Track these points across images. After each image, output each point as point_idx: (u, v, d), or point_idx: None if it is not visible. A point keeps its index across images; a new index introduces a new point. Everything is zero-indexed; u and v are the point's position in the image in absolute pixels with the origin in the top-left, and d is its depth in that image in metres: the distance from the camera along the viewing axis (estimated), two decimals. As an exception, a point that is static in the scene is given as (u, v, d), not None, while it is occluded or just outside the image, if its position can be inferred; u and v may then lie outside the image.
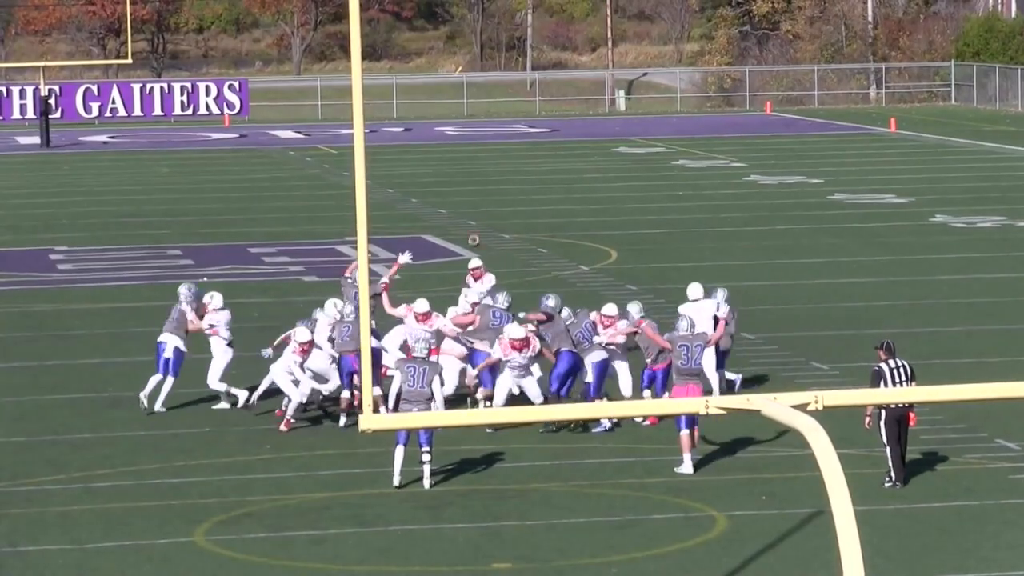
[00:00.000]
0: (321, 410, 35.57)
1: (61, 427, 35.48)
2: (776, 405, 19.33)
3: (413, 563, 27.56)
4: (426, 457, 30.27)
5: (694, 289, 36.12)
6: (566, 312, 35.91)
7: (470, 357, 35.52)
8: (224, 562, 27.71)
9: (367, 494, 30.42)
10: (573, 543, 28.27)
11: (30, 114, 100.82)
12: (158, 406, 35.95)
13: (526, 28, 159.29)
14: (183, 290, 38.05)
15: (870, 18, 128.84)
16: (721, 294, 36.24)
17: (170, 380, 36.33)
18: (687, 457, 31.31)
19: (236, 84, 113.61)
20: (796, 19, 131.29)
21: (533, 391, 33.94)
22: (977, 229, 60.33)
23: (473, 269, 39.59)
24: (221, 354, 36.29)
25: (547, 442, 33.94)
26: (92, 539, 28.68)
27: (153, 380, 36.44)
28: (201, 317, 36.82)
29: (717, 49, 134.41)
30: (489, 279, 39.16)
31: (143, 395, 36.18)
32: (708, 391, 32.45)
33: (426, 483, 30.51)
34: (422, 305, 35.56)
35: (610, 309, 35.84)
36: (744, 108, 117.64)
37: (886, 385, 29.92)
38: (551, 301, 35.83)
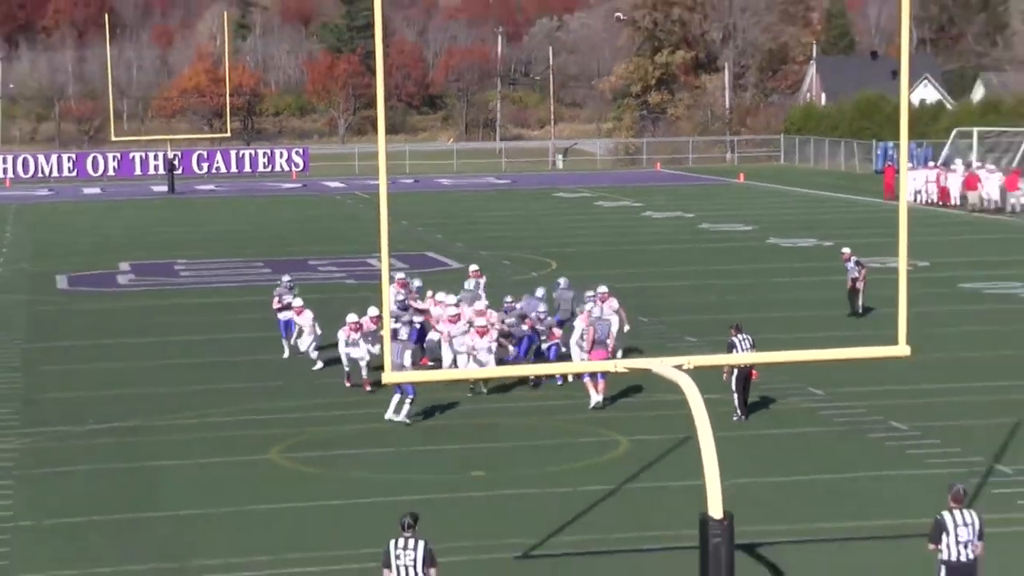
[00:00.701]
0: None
1: (184, 381, 35.52)
2: (662, 365, 19.50)
3: (417, 472, 27.67)
4: (409, 401, 30.31)
5: (602, 288, 36.18)
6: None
7: None
8: (290, 472, 27.84)
9: (383, 427, 30.50)
10: (525, 458, 28.42)
11: (161, 171, 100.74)
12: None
13: (496, 112, 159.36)
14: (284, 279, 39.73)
15: (727, 106, 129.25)
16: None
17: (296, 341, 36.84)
18: (593, 395, 31.79)
19: (300, 150, 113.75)
20: (677, 106, 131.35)
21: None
22: (798, 247, 60.41)
23: (474, 271, 39.94)
24: (308, 329, 36.20)
25: (510, 394, 34.00)
26: (203, 456, 28.83)
27: (286, 344, 37.52)
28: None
29: (624, 126, 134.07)
30: (480, 279, 39.32)
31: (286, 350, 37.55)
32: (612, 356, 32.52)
33: (406, 418, 30.46)
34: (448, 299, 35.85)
35: (602, 288, 36.27)
36: (642, 166, 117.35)
37: (736, 352, 30.06)
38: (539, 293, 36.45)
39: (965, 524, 18.05)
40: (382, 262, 19.67)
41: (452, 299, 35.71)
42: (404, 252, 57.50)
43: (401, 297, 36.09)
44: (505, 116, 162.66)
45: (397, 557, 17.78)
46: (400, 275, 40.00)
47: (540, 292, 36.57)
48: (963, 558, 17.96)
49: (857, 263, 43.28)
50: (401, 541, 17.86)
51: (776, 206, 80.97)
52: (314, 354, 36.08)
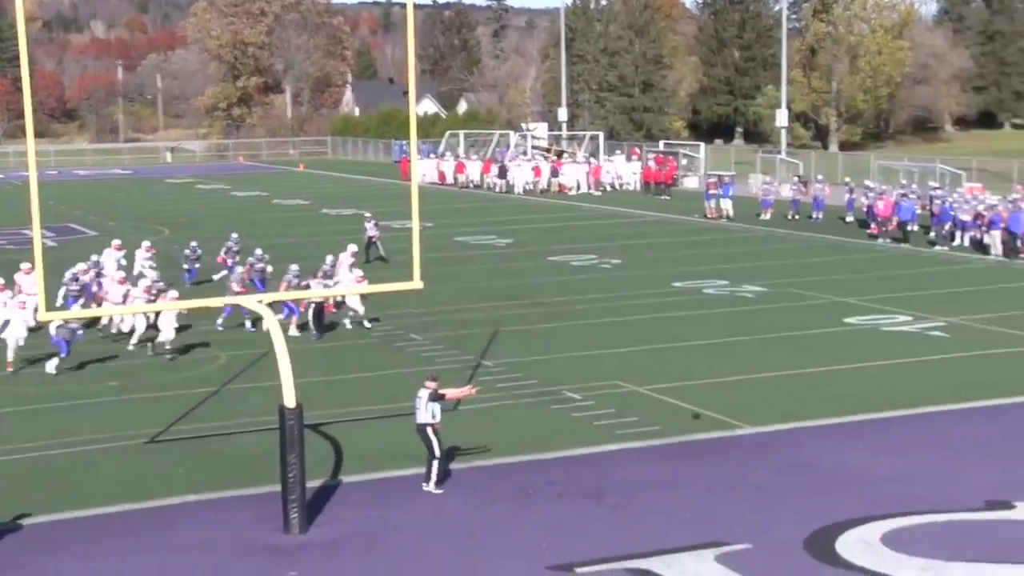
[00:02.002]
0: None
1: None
2: (258, 304, 19.28)
3: (69, 384, 26.54)
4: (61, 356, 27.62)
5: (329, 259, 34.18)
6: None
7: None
8: None
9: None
10: (149, 373, 27.59)
11: None
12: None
13: (119, 122, 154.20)
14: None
15: (289, 116, 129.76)
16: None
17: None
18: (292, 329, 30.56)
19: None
20: (253, 116, 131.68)
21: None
22: (342, 215, 60.22)
23: (116, 244, 37.56)
24: None
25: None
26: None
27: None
28: None
29: (215, 131, 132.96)
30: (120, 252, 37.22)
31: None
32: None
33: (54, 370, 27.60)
34: None
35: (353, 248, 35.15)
36: (229, 160, 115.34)
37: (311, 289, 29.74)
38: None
39: (419, 397, 18.81)
40: (34, 232, 18.82)
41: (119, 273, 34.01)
42: (52, 224, 54.74)
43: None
44: (126, 124, 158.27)
45: None
46: (116, 240, 38.32)
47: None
48: (418, 419, 18.80)
49: (375, 224, 43.92)
50: None
51: (327, 187, 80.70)
52: None
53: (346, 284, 32.46)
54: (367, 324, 31.65)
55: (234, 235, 39.93)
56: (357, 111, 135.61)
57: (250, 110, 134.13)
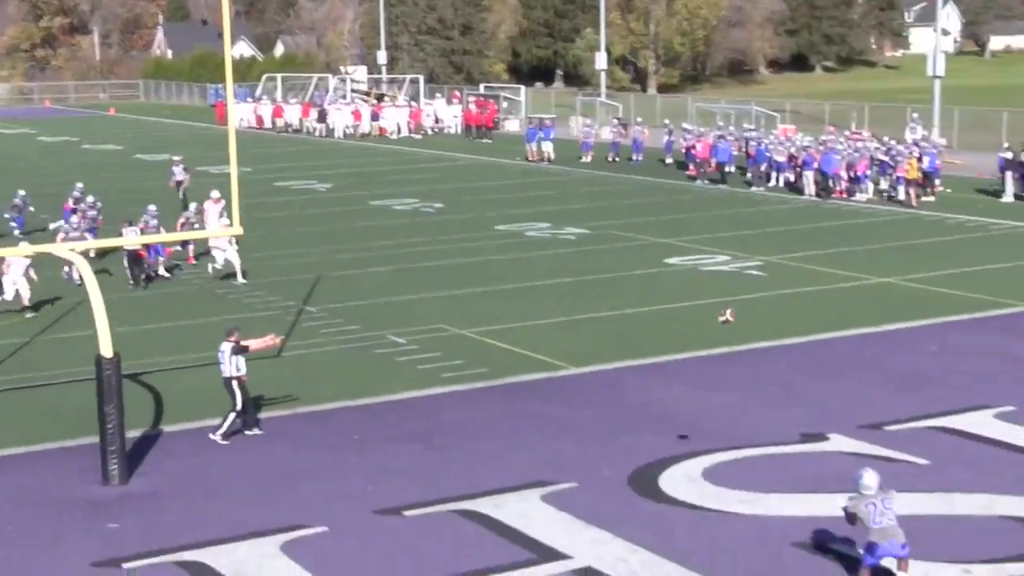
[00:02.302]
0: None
1: None
2: (69, 252, 18.78)
3: None
4: None
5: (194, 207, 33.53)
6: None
7: None
8: None
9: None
10: (-41, 323, 26.70)
11: None
12: None
13: None
14: None
15: (98, 58, 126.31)
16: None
17: None
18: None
19: None
20: (59, 59, 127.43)
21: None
22: (155, 160, 58.96)
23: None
24: None
25: None
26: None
27: None
28: None
29: (18, 74, 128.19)
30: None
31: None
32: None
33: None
34: None
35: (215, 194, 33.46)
36: (34, 103, 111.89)
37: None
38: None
39: (221, 351, 18.56)
40: None
41: None
42: None
43: None
44: None
45: None
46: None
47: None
48: (224, 373, 18.65)
49: (184, 168, 43.26)
50: None
51: (140, 132, 78.96)
52: None
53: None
54: (241, 280, 30.28)
55: (79, 184, 38.16)
56: (170, 54, 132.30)
57: (55, 52, 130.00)
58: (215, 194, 33.73)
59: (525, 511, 15.55)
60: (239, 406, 18.55)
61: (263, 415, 19.39)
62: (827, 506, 15.30)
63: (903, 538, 12.97)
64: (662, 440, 18.09)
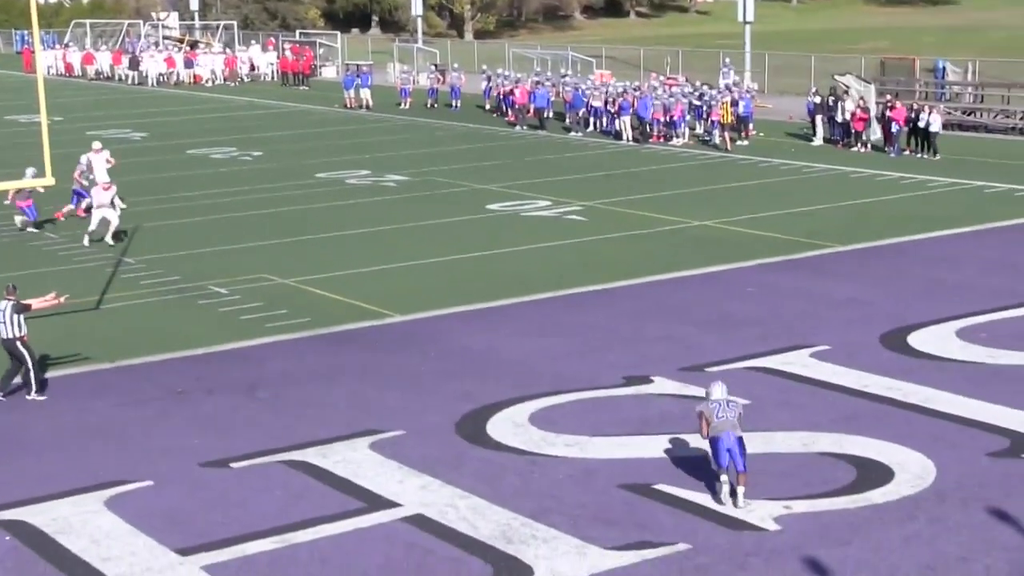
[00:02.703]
0: None
1: None
2: None
3: None
4: None
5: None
6: None
7: None
8: None
9: None
10: None
11: None
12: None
13: None
14: None
15: None
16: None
17: None
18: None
19: None
20: None
21: None
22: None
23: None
24: None
25: None
26: None
27: None
28: None
29: None
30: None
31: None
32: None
33: None
34: None
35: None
36: None
37: None
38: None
39: (1, 310, 17.93)
40: None
41: None
42: None
43: None
44: None
45: None
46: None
47: None
48: (3, 334, 18.01)
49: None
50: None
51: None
52: None
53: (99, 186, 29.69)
54: (109, 240, 28.41)
55: None
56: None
57: None
58: (96, 144, 33.08)
59: (353, 460, 15.47)
60: (31, 362, 18.03)
61: (82, 370, 18.89)
62: (652, 447, 15.57)
63: (740, 432, 13.88)
64: (489, 386, 18.16)
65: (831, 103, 42.67)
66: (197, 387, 18.41)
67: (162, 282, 24.81)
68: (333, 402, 17.68)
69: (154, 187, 35.84)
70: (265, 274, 25.22)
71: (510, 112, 49.60)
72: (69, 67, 75.84)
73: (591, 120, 46.82)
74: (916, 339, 20.10)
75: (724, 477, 13.94)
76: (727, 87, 47.85)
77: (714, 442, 13.97)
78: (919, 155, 39.18)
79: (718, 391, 14.16)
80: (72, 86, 68.94)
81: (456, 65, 58.70)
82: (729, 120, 42.08)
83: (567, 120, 47.84)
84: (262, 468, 15.31)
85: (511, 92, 49.74)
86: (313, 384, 18.51)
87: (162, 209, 32.52)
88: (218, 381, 18.67)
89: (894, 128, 39.86)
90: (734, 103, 42.83)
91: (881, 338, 20.15)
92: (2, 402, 17.82)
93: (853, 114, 41.30)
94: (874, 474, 14.70)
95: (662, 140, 43.29)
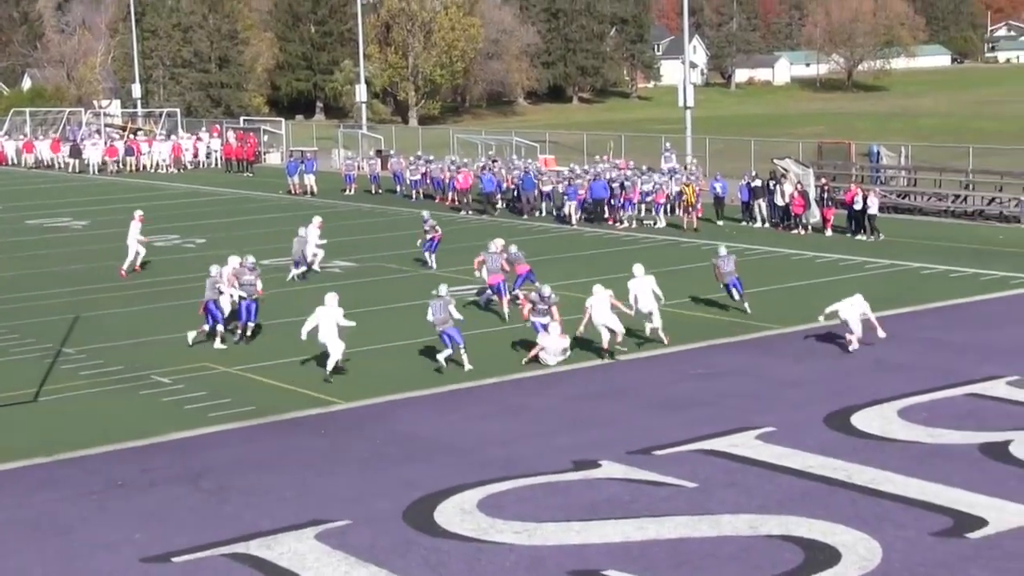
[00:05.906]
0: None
1: None
2: None
3: None
4: None
5: None
6: None
7: None
8: None
9: None
10: None
11: None
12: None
13: None
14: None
15: None
16: None
17: None
18: None
19: None
20: None
21: None
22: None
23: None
24: None
25: None
26: None
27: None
28: None
29: None
30: None
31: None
32: None
33: None
34: None
35: None
36: None
37: None
38: None
39: None
40: None
41: None
42: None
43: None
44: None
45: None
46: None
47: None
48: None
49: None
50: None
51: None
52: None
53: None
54: None
55: None
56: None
57: None
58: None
59: (299, 551, 15.26)
60: None
61: (19, 464, 18.59)
62: (601, 533, 15.47)
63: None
64: (436, 472, 18.02)
65: (771, 186, 43.12)
66: (139, 479, 18.13)
67: (103, 372, 24.55)
68: (278, 492, 17.46)
69: (95, 276, 35.59)
70: (208, 362, 25.02)
71: (453, 197, 49.80)
72: (2, 156, 75.82)
73: (543, 204, 47.08)
74: (859, 419, 20.19)
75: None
76: (671, 170, 48.30)
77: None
78: (858, 236, 39.63)
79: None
80: (9, 175, 68.59)
81: (392, 151, 58.89)
82: (692, 200, 42.63)
83: (517, 205, 48.03)
84: (205, 562, 15.05)
85: (456, 177, 49.93)
86: (258, 473, 18.29)
87: (104, 298, 32.27)
88: (161, 473, 18.40)
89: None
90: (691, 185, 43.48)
91: (825, 418, 20.23)
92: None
93: (792, 197, 41.77)
94: (821, 556, 14.67)
95: (612, 222, 43.63)
